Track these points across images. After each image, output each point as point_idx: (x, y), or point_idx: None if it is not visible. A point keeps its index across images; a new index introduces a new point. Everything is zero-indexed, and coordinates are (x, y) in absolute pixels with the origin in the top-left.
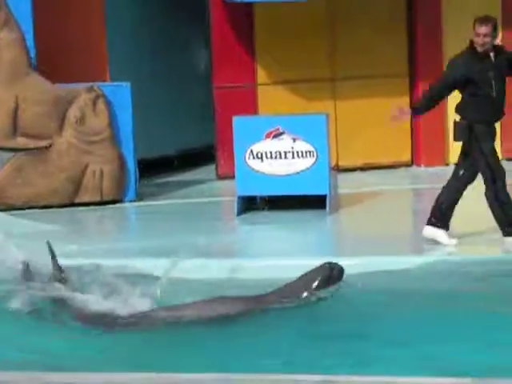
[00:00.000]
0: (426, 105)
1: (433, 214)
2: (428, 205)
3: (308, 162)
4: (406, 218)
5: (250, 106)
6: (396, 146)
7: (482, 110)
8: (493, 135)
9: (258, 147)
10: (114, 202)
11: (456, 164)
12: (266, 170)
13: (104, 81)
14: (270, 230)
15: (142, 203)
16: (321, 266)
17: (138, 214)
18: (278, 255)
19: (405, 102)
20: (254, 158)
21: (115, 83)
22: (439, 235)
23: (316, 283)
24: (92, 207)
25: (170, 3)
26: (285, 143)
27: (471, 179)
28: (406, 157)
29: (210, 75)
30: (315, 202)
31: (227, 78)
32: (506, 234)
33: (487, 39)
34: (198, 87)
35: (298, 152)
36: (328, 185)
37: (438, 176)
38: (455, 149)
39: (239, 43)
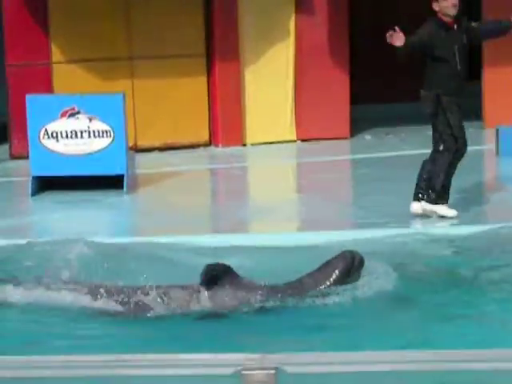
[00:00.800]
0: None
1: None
2: (225, 184)
3: (105, 141)
4: (203, 197)
5: (44, 85)
6: (194, 126)
7: (446, 84)
8: (459, 107)
9: (52, 126)
10: None
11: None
12: (61, 149)
13: None
14: (66, 210)
15: None
16: (341, 254)
17: None
18: (76, 235)
19: (202, 81)
20: (48, 137)
21: None
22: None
23: (338, 274)
24: None
25: None
26: (81, 122)
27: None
28: (205, 137)
29: (3, 53)
30: (113, 182)
31: (20, 56)
32: (428, 200)
33: (455, 9)
34: None
35: (94, 131)
36: (125, 164)
37: (234, 156)
38: (252, 130)
39: (33, 21)
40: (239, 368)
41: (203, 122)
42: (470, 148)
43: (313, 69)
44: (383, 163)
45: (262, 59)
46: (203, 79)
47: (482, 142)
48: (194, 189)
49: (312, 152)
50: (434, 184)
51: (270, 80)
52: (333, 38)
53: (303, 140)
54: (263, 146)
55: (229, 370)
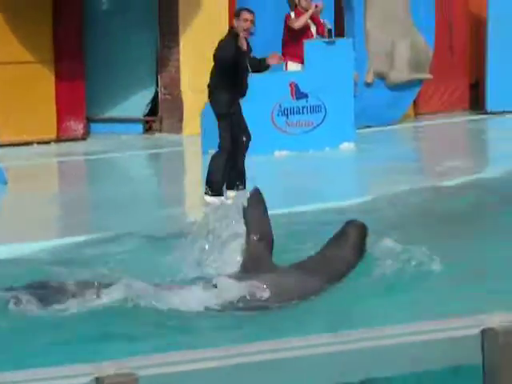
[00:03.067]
0: None
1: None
2: None
3: None
4: None
5: None
6: None
7: (235, 91)
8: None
9: None
10: None
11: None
12: None
13: None
14: None
15: None
16: (353, 224)
17: None
18: None
19: None
20: None
21: None
22: None
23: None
24: None
25: None
26: None
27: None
28: None
29: None
30: None
31: None
32: (206, 192)
33: (252, 25)
34: None
35: None
36: None
37: None
38: None
39: None
40: None
41: None
42: None
43: None
44: None
45: None
46: None
47: None
48: None
49: None
50: (212, 182)
51: None
52: None
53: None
54: None
55: None
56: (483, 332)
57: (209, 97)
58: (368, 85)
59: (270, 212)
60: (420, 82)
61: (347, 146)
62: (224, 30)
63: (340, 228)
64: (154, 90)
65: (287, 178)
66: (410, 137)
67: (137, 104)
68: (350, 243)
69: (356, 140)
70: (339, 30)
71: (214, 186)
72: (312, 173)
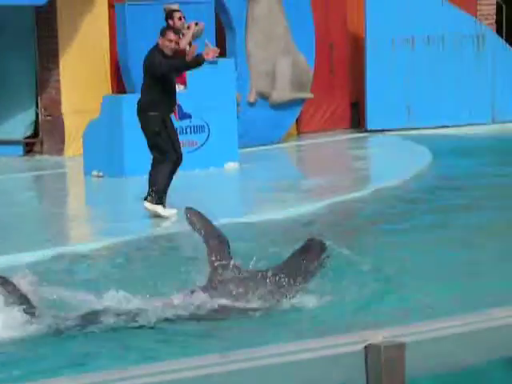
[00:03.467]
0: None
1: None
2: None
3: None
4: None
5: None
6: None
7: (168, 104)
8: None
9: None
10: None
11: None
12: None
13: None
14: None
15: None
16: (315, 242)
17: None
18: None
19: None
20: None
21: None
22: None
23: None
24: None
25: None
26: None
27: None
28: None
29: None
30: None
31: None
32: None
33: (176, 45)
34: None
35: None
36: None
37: None
38: None
39: None
40: None
41: None
42: None
43: None
44: None
45: None
46: None
47: None
48: None
49: None
50: (158, 189)
51: None
52: None
53: None
54: None
55: None
56: (367, 348)
57: (140, 116)
58: (251, 104)
59: (155, 233)
60: (302, 101)
61: (231, 166)
62: (104, 49)
63: (302, 244)
64: (34, 112)
65: (171, 198)
66: (293, 156)
67: (16, 126)
68: (312, 256)
69: (240, 159)
70: (221, 50)
71: (159, 195)
72: (196, 192)
